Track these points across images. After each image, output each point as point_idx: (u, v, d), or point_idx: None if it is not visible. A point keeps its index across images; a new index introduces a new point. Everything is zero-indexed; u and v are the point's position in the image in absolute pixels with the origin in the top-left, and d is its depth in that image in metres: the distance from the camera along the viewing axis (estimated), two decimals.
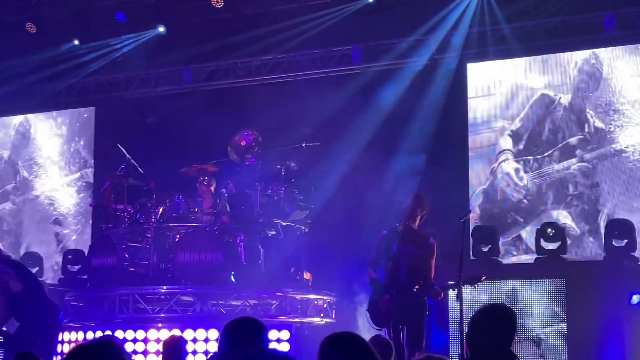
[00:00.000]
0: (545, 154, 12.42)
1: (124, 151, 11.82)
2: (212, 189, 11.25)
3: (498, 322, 4.57)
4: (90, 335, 10.19)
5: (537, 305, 10.05)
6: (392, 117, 12.74)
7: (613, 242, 10.67)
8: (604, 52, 12.21)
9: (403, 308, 8.19)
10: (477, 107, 12.89)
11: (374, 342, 6.48)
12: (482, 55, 12.77)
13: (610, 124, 12.03)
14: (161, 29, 14.28)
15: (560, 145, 12.33)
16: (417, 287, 8.22)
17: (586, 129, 12.19)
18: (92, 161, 15.13)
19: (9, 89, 15.05)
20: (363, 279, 11.65)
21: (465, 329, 4.85)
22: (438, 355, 5.13)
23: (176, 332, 9.84)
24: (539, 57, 12.54)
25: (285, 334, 10.13)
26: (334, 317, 11.55)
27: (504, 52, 12.61)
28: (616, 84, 12.06)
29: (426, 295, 8.29)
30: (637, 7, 11.91)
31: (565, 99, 12.36)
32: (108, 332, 10.09)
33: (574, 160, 12.21)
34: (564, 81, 12.39)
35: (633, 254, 10.64)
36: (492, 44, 12.62)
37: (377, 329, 8.36)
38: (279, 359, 2.72)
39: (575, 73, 12.33)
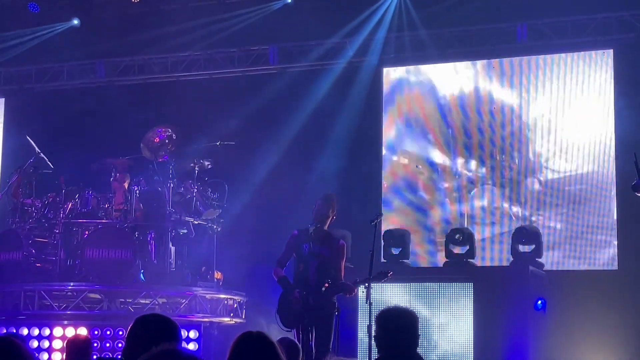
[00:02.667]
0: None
1: (33, 144, 11.57)
2: (125, 185, 11.09)
3: (401, 324, 4.61)
4: None
5: (444, 309, 10.20)
6: (309, 119, 12.77)
7: (520, 248, 10.91)
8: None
9: (312, 309, 8.21)
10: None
11: (281, 343, 6.46)
12: (399, 60, 12.89)
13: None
14: (75, 22, 14.01)
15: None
16: (325, 285, 8.25)
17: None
18: None
19: None
20: (274, 279, 11.69)
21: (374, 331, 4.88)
22: (346, 358, 5.18)
23: (83, 330, 9.69)
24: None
25: (193, 334, 10.07)
26: (243, 317, 11.53)
27: (420, 58, 12.75)
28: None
29: (338, 293, 8.31)
30: (550, 18, 12.21)
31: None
32: (12, 329, 9.86)
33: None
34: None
35: (539, 260, 10.90)
36: (409, 49, 12.75)
37: (287, 331, 8.36)
38: (188, 359, 2.69)
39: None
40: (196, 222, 11.24)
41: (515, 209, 12.19)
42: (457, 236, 11.00)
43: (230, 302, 11.38)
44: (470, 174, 12.49)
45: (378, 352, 4.68)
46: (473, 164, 12.49)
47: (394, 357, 4.50)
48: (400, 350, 4.52)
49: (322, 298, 8.22)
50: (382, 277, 8.23)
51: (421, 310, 9.89)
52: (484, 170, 12.42)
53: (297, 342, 6.51)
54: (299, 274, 8.40)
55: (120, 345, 9.77)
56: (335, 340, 8.24)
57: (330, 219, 8.48)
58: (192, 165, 11.42)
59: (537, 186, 12.13)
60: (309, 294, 8.22)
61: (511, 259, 10.96)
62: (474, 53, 12.58)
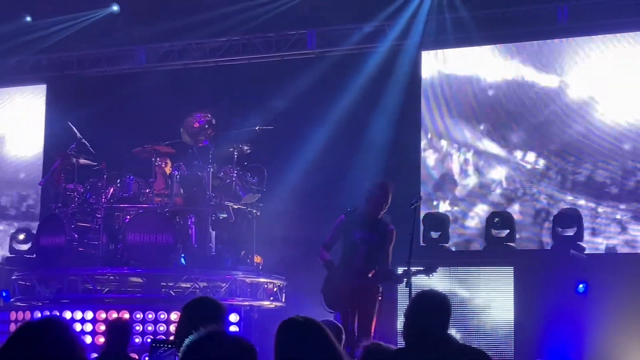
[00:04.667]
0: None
1: (75, 130, 11.69)
2: (166, 170, 11.17)
3: (431, 308, 4.62)
4: (37, 315, 10.09)
5: (484, 293, 10.16)
6: (347, 104, 12.74)
7: (560, 232, 10.83)
8: None
9: (357, 293, 8.22)
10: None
11: (324, 325, 6.49)
12: (438, 42, 12.79)
13: None
14: (115, 8, 14.11)
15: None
16: (373, 272, 8.23)
17: None
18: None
19: None
20: (314, 263, 11.73)
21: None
22: (384, 343, 5.19)
23: (125, 313, 9.80)
24: None
25: (234, 317, 10.13)
26: (283, 301, 11.58)
27: (460, 40, 12.64)
28: None
29: (386, 281, 8.31)
30: None
31: None
32: (56, 312, 10.00)
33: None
34: None
35: (580, 243, 10.81)
36: (448, 32, 12.65)
37: (330, 312, 8.39)
38: (239, 343, 2.70)
39: None
40: (236, 207, 11.29)
41: (558, 192, 12.06)
42: (496, 220, 10.94)
43: (270, 285, 11.43)
44: (511, 157, 12.38)
45: (405, 336, 4.69)
46: (515, 147, 12.38)
47: (423, 341, 4.51)
48: (429, 333, 4.52)
49: (367, 282, 8.23)
50: (429, 271, 8.23)
51: (461, 294, 9.87)
52: (525, 153, 12.29)
53: (339, 324, 6.54)
54: (346, 258, 8.39)
55: (162, 328, 9.87)
56: (376, 325, 8.26)
57: (384, 208, 8.44)
58: (231, 150, 11.47)
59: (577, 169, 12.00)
60: (355, 277, 8.23)
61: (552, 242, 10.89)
62: (514, 35, 12.46)
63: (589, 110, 12.03)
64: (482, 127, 12.61)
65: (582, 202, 11.91)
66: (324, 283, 8.54)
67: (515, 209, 12.11)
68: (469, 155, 12.62)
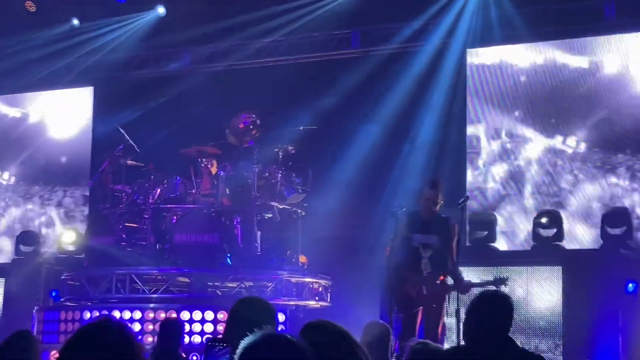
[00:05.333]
0: None
1: (123, 132, 11.81)
2: (212, 170, 11.24)
3: (495, 309, 4.58)
4: (87, 314, 10.20)
5: (532, 293, 10.08)
6: (392, 103, 12.71)
7: (609, 230, 10.69)
8: None
9: (425, 298, 8.16)
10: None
11: (371, 326, 6.51)
12: (484, 40, 12.69)
13: None
14: (161, 10, 14.23)
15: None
16: (441, 278, 8.13)
17: None
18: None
19: (7, 67, 14.99)
20: (359, 263, 11.74)
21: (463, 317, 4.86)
22: (433, 343, 5.17)
23: (172, 313, 9.87)
24: None
25: (280, 317, 10.16)
26: (329, 300, 11.59)
27: (505, 38, 12.52)
28: None
29: (453, 290, 8.17)
30: None
31: None
32: (104, 312, 10.10)
33: None
34: None
35: (629, 242, 10.67)
36: (493, 30, 12.54)
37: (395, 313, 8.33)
38: (297, 346, 2.70)
39: None
40: (281, 207, 11.32)
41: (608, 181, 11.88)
42: (544, 219, 10.84)
43: (316, 285, 11.44)
44: (559, 148, 12.19)
45: (466, 336, 4.66)
46: (566, 140, 12.18)
47: (484, 343, 4.47)
48: (491, 335, 4.49)
49: (435, 288, 8.14)
50: (500, 282, 8.14)
51: (508, 294, 9.79)
52: (573, 145, 12.12)
53: (387, 325, 6.53)
54: (410, 263, 8.19)
55: (208, 328, 9.92)
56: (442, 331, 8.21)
57: (439, 204, 8.28)
58: (276, 150, 11.52)
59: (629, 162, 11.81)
60: (422, 283, 8.13)
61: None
62: (561, 32, 12.33)
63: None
64: (519, 115, 12.44)
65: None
66: (390, 286, 8.31)
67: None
68: (516, 148, 12.45)
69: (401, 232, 8.25)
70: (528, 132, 12.35)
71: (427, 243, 8.18)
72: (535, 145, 12.28)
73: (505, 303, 4.61)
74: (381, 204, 12.01)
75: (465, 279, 8.45)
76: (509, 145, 12.46)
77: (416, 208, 8.42)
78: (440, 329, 8.18)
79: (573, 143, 12.07)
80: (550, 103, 12.27)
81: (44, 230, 14.96)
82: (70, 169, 15.20)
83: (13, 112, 15.82)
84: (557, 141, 12.15)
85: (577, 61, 12.16)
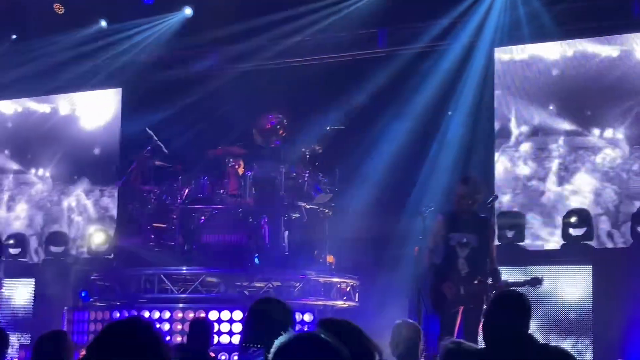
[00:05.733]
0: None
1: (151, 132, 11.87)
2: (239, 170, 11.27)
3: (511, 308, 4.56)
4: (116, 314, 10.27)
5: (562, 292, 10.01)
6: (419, 102, 12.64)
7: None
8: None
9: (462, 298, 8.12)
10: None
11: (400, 326, 6.50)
12: (512, 38, 12.59)
13: None
14: (188, 11, 14.27)
15: None
16: (479, 279, 8.04)
17: None
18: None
19: (35, 69, 15.12)
20: (387, 263, 11.72)
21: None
22: (467, 343, 5.15)
23: (201, 312, 9.91)
24: None
25: (308, 317, 10.17)
26: (357, 300, 11.57)
27: (535, 36, 12.40)
28: None
29: (491, 291, 8.05)
30: None
31: None
32: (134, 312, 10.16)
33: None
34: None
35: None
36: (520, 28, 12.44)
37: (433, 314, 8.29)
38: (331, 347, 2.70)
39: None
40: (308, 207, 11.32)
41: None
42: (573, 218, 10.76)
43: (343, 285, 11.44)
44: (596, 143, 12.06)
45: (484, 338, 4.65)
46: (603, 133, 12.04)
47: (503, 342, 4.45)
48: (509, 334, 4.47)
49: (472, 289, 8.07)
50: (536, 282, 8.09)
51: (537, 294, 9.72)
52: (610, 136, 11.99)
53: (417, 325, 6.52)
54: (449, 263, 8.14)
55: (237, 328, 9.94)
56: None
57: (475, 202, 8.18)
58: (303, 150, 11.52)
59: None
60: (460, 283, 8.07)
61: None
62: (589, 29, 12.21)
63: None
64: (553, 109, 12.33)
65: None
66: (429, 286, 8.28)
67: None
68: (548, 144, 12.32)
69: (439, 231, 8.20)
70: (562, 125, 12.21)
71: (463, 242, 8.08)
72: (569, 139, 12.14)
73: (521, 302, 4.59)
74: (409, 203, 11.98)
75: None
76: (540, 141, 12.34)
77: (452, 207, 8.33)
78: (480, 328, 8.12)
79: (610, 135, 11.91)
80: (584, 95, 12.13)
81: (73, 231, 15.06)
82: (99, 168, 15.32)
83: (43, 108, 15.95)
84: (593, 135, 12.00)
85: (606, 51, 12.02)
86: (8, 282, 13.18)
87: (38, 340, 5.27)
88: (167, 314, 10.13)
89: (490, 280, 8.14)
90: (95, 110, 15.52)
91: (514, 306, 4.57)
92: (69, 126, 15.64)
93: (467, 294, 8.07)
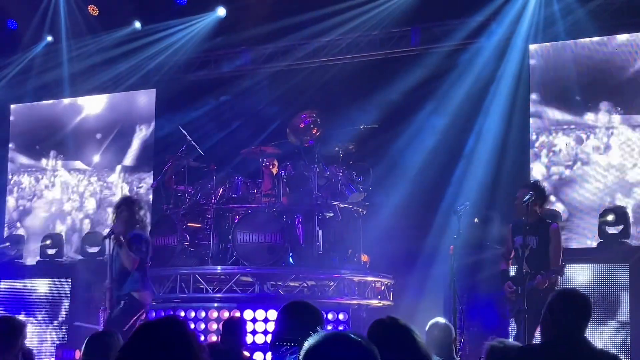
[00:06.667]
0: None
1: (185, 132, 11.93)
2: (273, 170, 11.29)
3: (572, 308, 4.53)
4: (152, 314, 10.32)
5: (599, 291, 9.91)
6: (454, 100, 12.57)
7: None
8: None
9: (523, 298, 8.16)
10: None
11: (432, 327, 6.49)
12: (546, 35, 12.47)
13: None
14: (221, 11, 14.32)
15: None
16: (538, 277, 8.14)
17: None
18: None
19: (71, 70, 15.26)
20: (421, 262, 11.68)
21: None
22: (511, 341, 5.12)
23: (236, 312, 9.94)
24: None
25: (342, 316, 10.16)
26: (391, 299, 11.55)
27: (570, 32, 12.27)
28: None
29: (549, 284, 8.15)
30: None
31: None
32: (169, 312, 10.22)
33: None
34: None
35: None
36: (560, 24, 12.31)
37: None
38: (363, 347, 2.70)
39: None
40: (342, 206, 11.32)
41: None
42: (610, 216, 10.65)
43: (378, 284, 11.42)
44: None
45: (543, 334, 4.62)
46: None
47: (561, 342, 4.41)
48: (567, 334, 4.43)
49: (530, 287, 8.17)
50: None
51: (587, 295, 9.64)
52: None
53: (449, 324, 6.50)
54: (517, 268, 8.44)
55: (271, 327, 9.94)
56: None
57: (538, 207, 8.45)
58: (336, 149, 11.53)
59: None
60: (520, 283, 8.23)
61: None
62: (624, 25, 12.05)
63: None
64: (585, 103, 12.20)
65: None
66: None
67: None
68: (582, 140, 12.19)
69: (507, 237, 8.66)
70: (599, 120, 12.08)
71: (525, 244, 8.37)
72: (605, 133, 12.01)
73: (584, 303, 4.56)
74: (444, 201, 11.93)
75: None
76: (575, 137, 12.22)
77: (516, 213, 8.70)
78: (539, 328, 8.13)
79: None
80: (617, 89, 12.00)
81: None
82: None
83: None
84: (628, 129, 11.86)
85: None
86: (43, 281, 13.32)
87: (88, 340, 5.29)
88: (202, 314, 10.19)
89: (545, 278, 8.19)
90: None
91: (574, 306, 4.54)
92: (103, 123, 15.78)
93: (525, 293, 8.18)
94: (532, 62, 12.54)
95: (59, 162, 16.00)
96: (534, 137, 12.45)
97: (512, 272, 8.70)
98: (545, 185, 8.96)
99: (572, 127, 12.26)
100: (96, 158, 15.71)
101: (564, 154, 12.26)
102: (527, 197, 8.44)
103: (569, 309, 4.49)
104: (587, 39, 12.21)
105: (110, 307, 8.61)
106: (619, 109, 11.93)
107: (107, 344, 5.13)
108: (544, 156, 12.38)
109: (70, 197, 15.85)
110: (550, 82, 12.50)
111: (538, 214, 8.48)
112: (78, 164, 15.86)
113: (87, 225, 15.45)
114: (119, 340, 5.17)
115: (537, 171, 12.32)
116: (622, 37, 12.01)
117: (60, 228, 15.55)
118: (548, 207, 11.57)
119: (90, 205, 15.65)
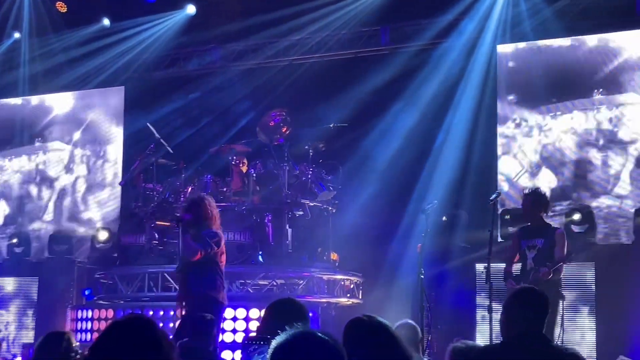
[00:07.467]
0: None
1: (153, 129, 11.86)
2: (243, 168, 11.27)
3: (529, 306, 4.55)
4: (120, 313, 10.28)
5: (565, 288, 10.00)
6: (422, 99, 12.62)
7: None
8: None
9: None
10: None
11: (402, 326, 6.52)
12: (514, 36, 12.56)
13: None
14: (190, 9, 14.26)
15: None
16: (544, 271, 8.20)
17: None
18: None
19: (39, 68, 15.13)
20: (390, 260, 11.73)
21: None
22: (473, 342, 5.16)
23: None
24: None
25: (311, 314, 10.16)
26: (360, 297, 11.59)
27: (537, 33, 12.38)
28: None
29: (555, 273, 8.28)
30: None
31: None
32: (137, 310, 10.17)
33: None
34: None
35: None
36: (527, 25, 12.40)
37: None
38: (329, 344, 2.71)
39: None
40: (312, 204, 11.33)
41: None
42: (575, 215, 10.75)
43: (347, 282, 11.45)
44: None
45: (502, 333, 4.64)
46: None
47: (521, 339, 4.44)
48: (526, 332, 4.46)
49: (535, 279, 8.20)
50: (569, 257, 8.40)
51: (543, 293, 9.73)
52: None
53: (415, 325, 6.54)
54: (521, 267, 8.55)
55: (240, 325, 9.95)
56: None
57: (542, 212, 8.61)
58: (306, 147, 11.53)
59: None
60: (523, 279, 8.28)
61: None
62: (592, 26, 12.17)
63: None
64: (553, 101, 12.32)
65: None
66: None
67: None
68: (549, 136, 12.30)
69: (513, 241, 8.76)
70: (564, 118, 12.20)
71: (531, 245, 8.50)
72: (570, 131, 12.14)
73: (538, 300, 4.58)
74: (413, 200, 11.98)
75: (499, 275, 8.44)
76: (542, 134, 12.32)
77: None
78: (556, 330, 8.21)
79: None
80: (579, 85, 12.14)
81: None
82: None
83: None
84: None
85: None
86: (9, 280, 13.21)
87: (42, 340, 5.27)
88: (170, 312, 10.14)
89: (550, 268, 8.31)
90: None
91: (529, 304, 4.56)
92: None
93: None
94: (500, 62, 12.64)
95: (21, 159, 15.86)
96: (501, 136, 12.54)
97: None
98: (546, 192, 9.03)
99: (540, 126, 12.36)
100: (65, 154, 15.60)
101: (531, 153, 12.36)
102: (494, 195, 8.53)
103: (524, 308, 4.51)
104: (558, 42, 12.31)
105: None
106: (586, 110, 12.06)
107: (57, 344, 5.12)
108: (510, 155, 12.47)
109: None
110: (518, 83, 12.59)
111: (543, 219, 8.68)
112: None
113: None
114: (70, 341, 5.15)
115: (505, 170, 12.42)
116: (592, 41, 12.13)
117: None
118: (517, 207, 11.78)
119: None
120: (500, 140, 12.51)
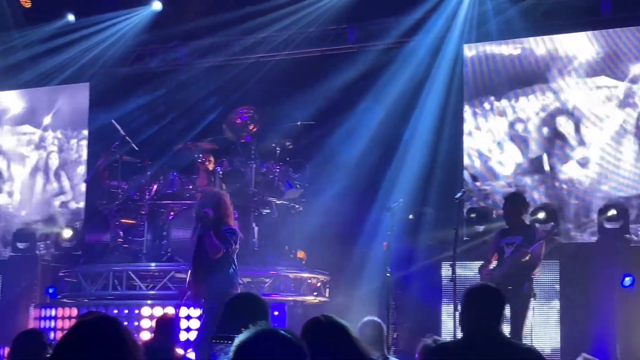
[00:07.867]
0: None
1: (118, 127, 11.77)
2: (209, 166, 11.22)
3: (484, 302, 4.56)
4: (84, 311, 10.18)
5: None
6: (389, 98, 12.65)
7: (606, 224, 10.69)
8: None
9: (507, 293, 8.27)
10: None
11: (363, 326, 6.51)
12: (481, 35, 12.63)
13: None
14: (156, 5, 14.17)
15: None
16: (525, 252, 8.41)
17: None
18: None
19: (3, 64, 14.94)
20: (357, 259, 11.74)
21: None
22: (444, 339, 5.18)
23: (170, 309, 9.85)
24: None
25: (277, 312, 10.15)
26: (327, 295, 11.59)
27: (503, 33, 12.46)
28: None
29: (519, 258, 8.45)
30: None
31: None
32: (101, 309, 10.08)
33: None
34: None
35: (626, 236, 10.67)
36: (493, 24, 12.47)
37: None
38: (292, 342, 2.70)
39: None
40: (278, 202, 11.32)
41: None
42: (540, 214, 10.83)
43: (314, 280, 11.44)
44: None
45: (461, 330, 4.65)
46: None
47: (477, 336, 4.45)
48: (484, 328, 4.47)
49: (516, 282, 8.38)
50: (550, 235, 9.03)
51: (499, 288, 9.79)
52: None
53: (380, 322, 6.54)
54: (498, 261, 8.69)
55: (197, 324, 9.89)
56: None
57: (522, 214, 8.80)
58: (273, 145, 11.51)
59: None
60: (503, 278, 8.34)
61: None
62: (556, 26, 12.27)
63: None
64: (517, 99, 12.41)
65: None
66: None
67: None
68: (516, 137, 12.38)
69: (493, 241, 8.93)
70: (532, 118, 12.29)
71: (510, 242, 8.68)
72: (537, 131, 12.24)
73: (494, 296, 4.59)
74: (379, 198, 12.00)
75: (464, 274, 8.49)
76: (508, 135, 12.40)
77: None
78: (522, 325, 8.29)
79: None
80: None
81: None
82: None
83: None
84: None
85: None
86: None
87: (16, 339, 5.20)
88: (135, 311, 10.07)
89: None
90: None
91: (485, 300, 4.56)
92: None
93: (513, 289, 8.30)
94: (465, 60, 12.71)
95: None
96: (467, 134, 12.60)
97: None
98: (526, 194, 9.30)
99: (506, 123, 12.45)
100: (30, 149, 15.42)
101: (496, 151, 12.44)
102: (459, 194, 8.61)
103: (481, 304, 4.52)
104: (521, 42, 12.40)
105: None
106: (549, 106, 12.16)
107: (34, 342, 5.06)
108: (475, 154, 12.53)
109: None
110: (483, 80, 12.67)
111: (524, 221, 8.86)
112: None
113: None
114: (45, 339, 5.09)
115: (470, 167, 12.48)
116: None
117: None
118: (483, 206, 11.86)
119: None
120: (466, 138, 12.57)
